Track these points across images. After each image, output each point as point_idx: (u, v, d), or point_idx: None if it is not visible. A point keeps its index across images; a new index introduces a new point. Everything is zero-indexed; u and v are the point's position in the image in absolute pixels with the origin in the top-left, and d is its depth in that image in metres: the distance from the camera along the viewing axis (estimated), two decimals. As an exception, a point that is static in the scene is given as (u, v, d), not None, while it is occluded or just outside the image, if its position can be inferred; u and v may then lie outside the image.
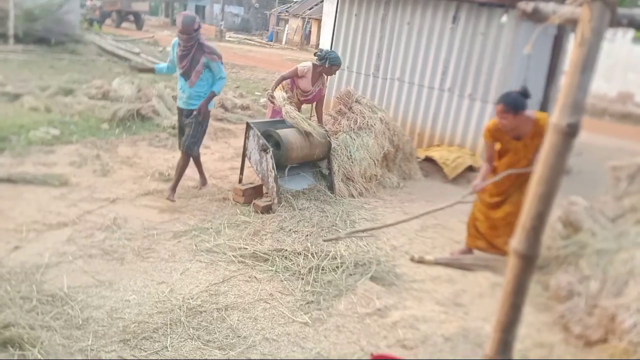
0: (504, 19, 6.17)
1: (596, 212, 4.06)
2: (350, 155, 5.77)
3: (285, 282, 3.52)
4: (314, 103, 5.67)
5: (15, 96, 7.96)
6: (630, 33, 14.67)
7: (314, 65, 5.36)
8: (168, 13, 44.51)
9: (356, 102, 6.24)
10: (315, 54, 5.47)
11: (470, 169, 6.49)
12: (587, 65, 1.08)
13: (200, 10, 42.48)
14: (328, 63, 5.29)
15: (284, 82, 5.46)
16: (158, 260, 3.67)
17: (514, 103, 3.54)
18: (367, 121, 6.03)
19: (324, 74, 5.47)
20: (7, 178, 4.73)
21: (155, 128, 7.14)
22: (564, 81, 1.12)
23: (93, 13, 27.60)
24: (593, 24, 1.04)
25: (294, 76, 5.39)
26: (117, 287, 3.24)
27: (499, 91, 6.40)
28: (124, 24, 30.14)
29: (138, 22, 30.45)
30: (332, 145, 5.44)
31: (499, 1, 6.15)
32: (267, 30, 38.65)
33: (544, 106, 8.05)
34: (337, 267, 3.77)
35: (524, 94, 3.60)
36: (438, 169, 6.57)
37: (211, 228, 4.25)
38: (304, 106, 5.87)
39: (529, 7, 1.16)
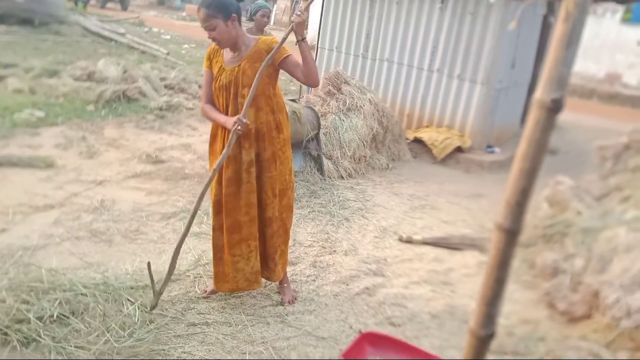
0: (493, -2, 6.14)
1: (582, 192, 4.11)
2: (340, 137, 5.77)
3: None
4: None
5: (-1, 78, 7.81)
6: (619, 14, 14.69)
7: (248, 30, 4.61)
8: (154, -7, 43.66)
9: (345, 83, 6.21)
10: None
11: (459, 149, 6.52)
12: (571, 40, 1.07)
13: (186, -10, 41.71)
14: (250, 15, 4.92)
15: None
16: (147, 242, 3.67)
17: (222, 5, 2.55)
18: (356, 102, 6.01)
19: (261, 30, 5.04)
20: (-9, 160, 4.67)
21: (142, 110, 7.06)
22: (548, 56, 1.12)
23: (77, -7, 27.03)
24: (578, -1, 1.04)
25: None
26: (106, 268, 3.23)
27: (488, 71, 6.41)
28: (109, 4, 29.50)
29: (123, 2, 29.74)
30: (322, 127, 5.42)
31: (488, -20, 6.11)
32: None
33: (533, 86, 8.07)
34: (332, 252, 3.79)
35: None
36: (427, 150, 6.59)
37: (200, 210, 4.23)
38: (293, 87, 5.83)
39: (515, -19, 1.15)
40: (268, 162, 2.76)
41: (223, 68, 2.69)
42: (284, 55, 2.65)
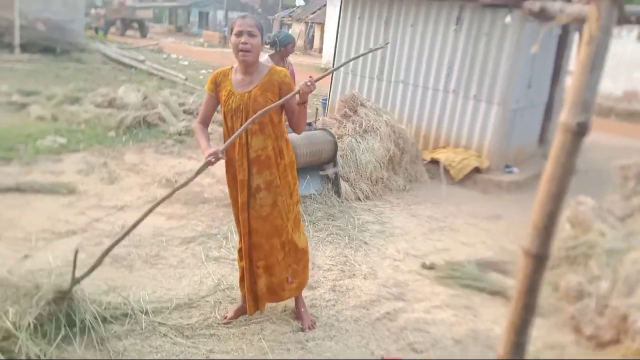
0: (508, 19, 6.16)
1: (604, 212, 4.04)
2: (357, 159, 5.78)
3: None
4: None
5: (22, 105, 8.03)
6: (635, 31, 14.61)
7: (270, 56, 4.98)
8: (172, 20, 44.79)
9: (361, 105, 6.25)
10: (265, 45, 5.13)
11: (477, 170, 6.48)
12: (595, 64, 1.07)
13: (203, 16, 42.71)
14: (279, 46, 5.05)
15: None
16: (167, 267, 3.68)
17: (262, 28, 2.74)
18: (373, 124, 6.04)
19: (284, 59, 5.18)
20: (15, 187, 4.77)
21: (161, 135, 7.17)
22: (572, 80, 1.12)
23: (97, 21, 27.87)
24: (601, 22, 1.04)
25: None
26: (127, 294, 3.24)
27: (504, 92, 6.40)
28: (128, 32, 30.35)
29: (142, 29, 30.66)
30: (338, 149, 5.44)
31: (502, 1, 6.14)
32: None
33: (549, 106, 8.03)
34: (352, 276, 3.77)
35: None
36: (444, 171, 6.55)
37: (219, 234, 4.26)
38: (309, 110, 5.87)
39: (536, 6, 1.16)
40: (276, 186, 2.80)
41: (232, 92, 2.72)
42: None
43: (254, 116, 2.58)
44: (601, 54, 1.07)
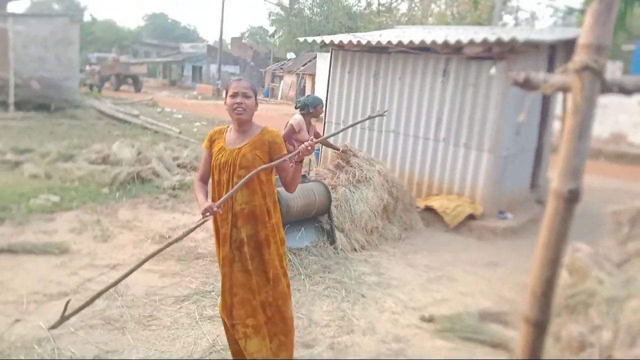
0: (493, 70, 6.36)
1: (601, 258, 4.03)
2: (351, 209, 5.79)
3: (291, 345, 3.44)
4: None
5: (16, 164, 8.05)
6: (618, 73, 15.07)
7: (303, 116, 5.49)
8: (165, 74, 45.69)
9: (353, 155, 6.32)
10: (296, 107, 5.63)
11: (471, 217, 6.50)
12: (582, 132, 1.11)
13: (197, 70, 43.64)
14: (311, 108, 5.47)
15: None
16: (160, 327, 3.60)
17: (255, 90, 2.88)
18: (365, 174, 6.09)
19: (312, 118, 5.61)
20: (7, 248, 4.71)
21: (155, 190, 7.18)
22: (561, 149, 1.15)
23: (92, 78, 28.35)
24: (585, 93, 1.08)
25: (292, 134, 5.45)
26: (118, 357, 3.15)
27: (493, 140, 6.51)
28: (123, 87, 30.87)
29: (136, 84, 31.22)
30: (332, 199, 5.46)
31: (486, 54, 6.35)
32: (263, 87, 39.59)
33: (539, 151, 8.16)
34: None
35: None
36: (439, 218, 6.57)
37: (213, 291, 4.19)
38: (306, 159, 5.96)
39: (520, 77, 1.20)
40: (261, 244, 2.77)
41: (223, 148, 2.79)
42: (282, 154, 2.76)
43: (248, 175, 2.60)
44: (587, 122, 1.10)
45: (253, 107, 2.77)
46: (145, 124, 13.64)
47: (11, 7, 24.60)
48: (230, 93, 2.74)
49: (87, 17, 51.36)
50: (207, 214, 2.59)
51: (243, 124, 2.76)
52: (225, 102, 2.79)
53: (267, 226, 2.78)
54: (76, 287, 4.12)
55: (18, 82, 14.51)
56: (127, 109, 15.86)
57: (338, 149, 6.26)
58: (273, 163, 2.70)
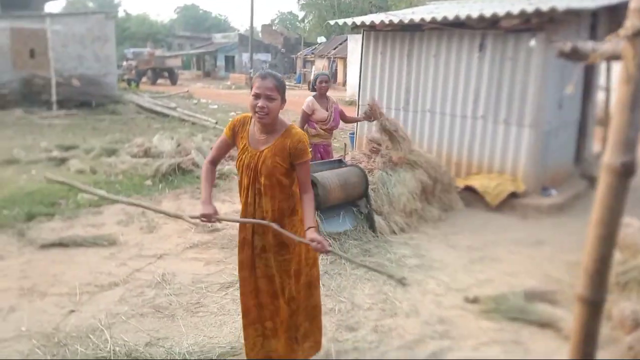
0: (533, 43, 6.12)
1: (654, 233, 3.87)
2: (388, 192, 5.74)
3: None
4: (340, 119, 5.75)
5: (62, 160, 8.35)
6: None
7: (314, 97, 5.56)
8: (199, 66, 46.29)
9: (380, 114, 6.20)
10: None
11: (514, 195, 6.34)
12: (635, 102, 1.05)
13: (229, 60, 43.98)
14: (316, 85, 5.58)
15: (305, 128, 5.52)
16: (207, 314, 3.69)
17: (285, 87, 2.64)
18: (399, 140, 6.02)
19: (325, 96, 5.59)
20: (58, 242, 4.91)
21: (195, 180, 7.32)
22: (613, 120, 1.09)
23: (129, 73, 29.00)
24: (638, 60, 1.02)
25: (307, 118, 5.46)
26: (170, 345, 3.26)
27: (534, 114, 6.30)
28: (159, 80, 31.45)
29: (172, 77, 31.75)
30: (369, 183, 5.43)
31: (524, 26, 6.12)
32: (295, 73, 39.58)
33: (583, 124, 7.86)
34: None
35: None
36: (479, 198, 6.44)
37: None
38: (336, 144, 5.95)
39: (567, 47, 1.15)
40: (282, 246, 2.72)
41: (247, 147, 2.66)
42: (303, 160, 2.63)
43: (272, 225, 2.57)
44: (640, 91, 1.04)
45: (277, 109, 2.56)
46: (183, 116, 13.88)
47: (48, 7, 25.34)
48: (253, 92, 2.54)
49: (120, 13, 52.49)
50: (204, 219, 2.59)
51: (265, 126, 2.61)
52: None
53: (289, 226, 2.69)
54: (126, 277, 4.26)
55: (59, 80, 15.01)
56: (164, 102, 16.18)
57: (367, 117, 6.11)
58: (295, 237, 2.60)
